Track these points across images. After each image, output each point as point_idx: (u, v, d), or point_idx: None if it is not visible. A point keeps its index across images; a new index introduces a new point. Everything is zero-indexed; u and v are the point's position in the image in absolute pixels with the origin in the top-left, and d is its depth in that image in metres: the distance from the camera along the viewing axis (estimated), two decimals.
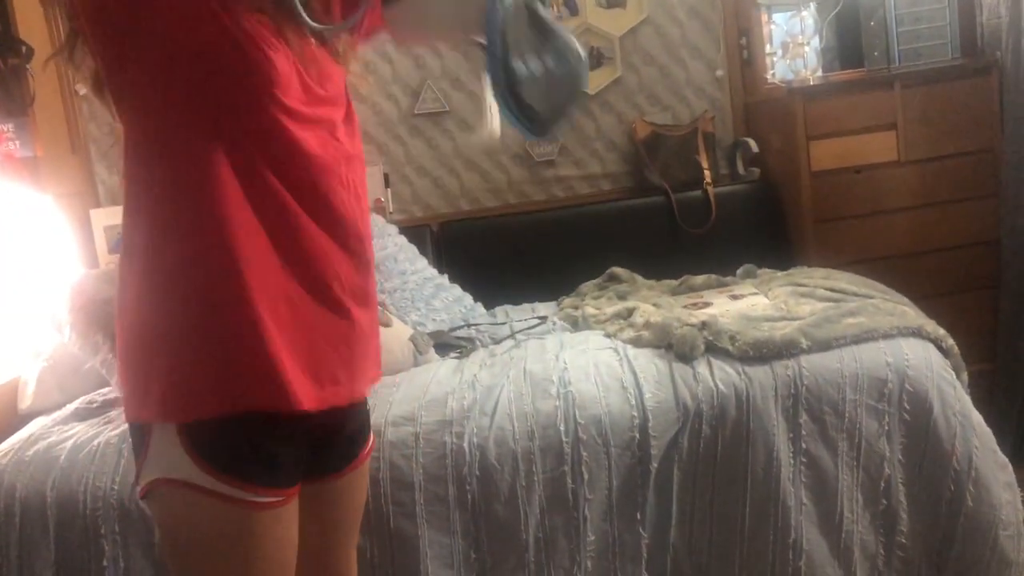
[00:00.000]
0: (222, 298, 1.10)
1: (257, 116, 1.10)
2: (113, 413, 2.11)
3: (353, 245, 1.21)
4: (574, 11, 3.16)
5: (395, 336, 2.25)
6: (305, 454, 1.22)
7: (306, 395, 1.15)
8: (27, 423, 2.18)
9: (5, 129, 2.70)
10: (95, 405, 2.18)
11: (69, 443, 1.95)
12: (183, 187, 1.10)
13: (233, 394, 1.11)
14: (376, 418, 1.91)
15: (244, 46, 1.07)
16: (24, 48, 2.80)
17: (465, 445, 1.86)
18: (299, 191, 1.14)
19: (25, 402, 2.28)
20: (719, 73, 3.21)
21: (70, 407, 2.20)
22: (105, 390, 2.25)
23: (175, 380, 1.11)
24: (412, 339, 2.29)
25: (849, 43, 3.04)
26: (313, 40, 1.20)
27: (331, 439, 1.27)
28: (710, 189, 3.00)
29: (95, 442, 1.94)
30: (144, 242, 1.13)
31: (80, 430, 2.02)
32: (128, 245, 1.15)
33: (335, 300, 1.19)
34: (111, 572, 1.81)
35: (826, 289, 2.28)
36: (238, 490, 1.13)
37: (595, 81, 3.16)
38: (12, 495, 1.85)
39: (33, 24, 2.88)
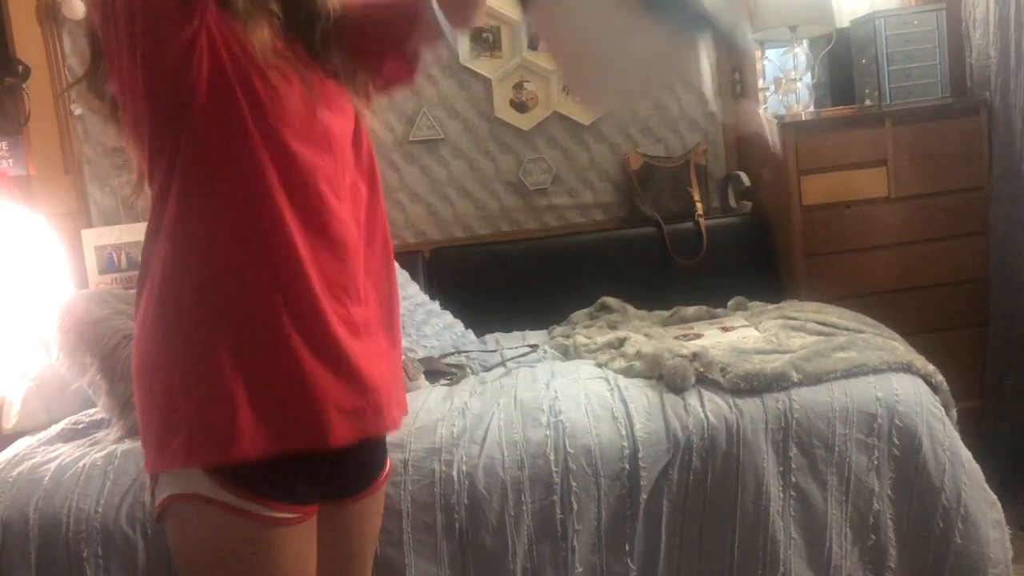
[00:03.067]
0: (260, 336, 1.11)
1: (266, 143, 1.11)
2: (99, 435, 2.09)
3: (358, 275, 1.21)
4: None
5: None
6: (323, 476, 1.21)
7: (341, 429, 1.15)
8: (11, 443, 2.16)
9: None
10: (81, 426, 2.16)
11: (54, 464, 1.93)
12: (214, 219, 1.11)
13: (270, 436, 1.11)
14: None
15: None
16: (20, 67, 2.81)
17: (454, 473, 1.85)
18: (306, 214, 1.14)
19: (10, 422, 2.26)
20: (711, 108, 3.24)
21: (55, 428, 2.18)
22: (91, 411, 2.23)
23: (202, 423, 1.10)
24: (402, 365, 2.28)
25: (841, 80, 3.08)
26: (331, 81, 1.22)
27: (348, 463, 1.27)
28: (702, 221, 3.02)
29: (80, 464, 1.92)
30: (169, 275, 1.13)
31: (65, 451, 2.00)
32: (151, 280, 1.15)
33: (354, 326, 1.19)
34: None
35: (817, 323, 2.29)
36: (255, 505, 1.12)
37: (589, 112, 3.19)
38: None
39: (30, 43, 2.89)
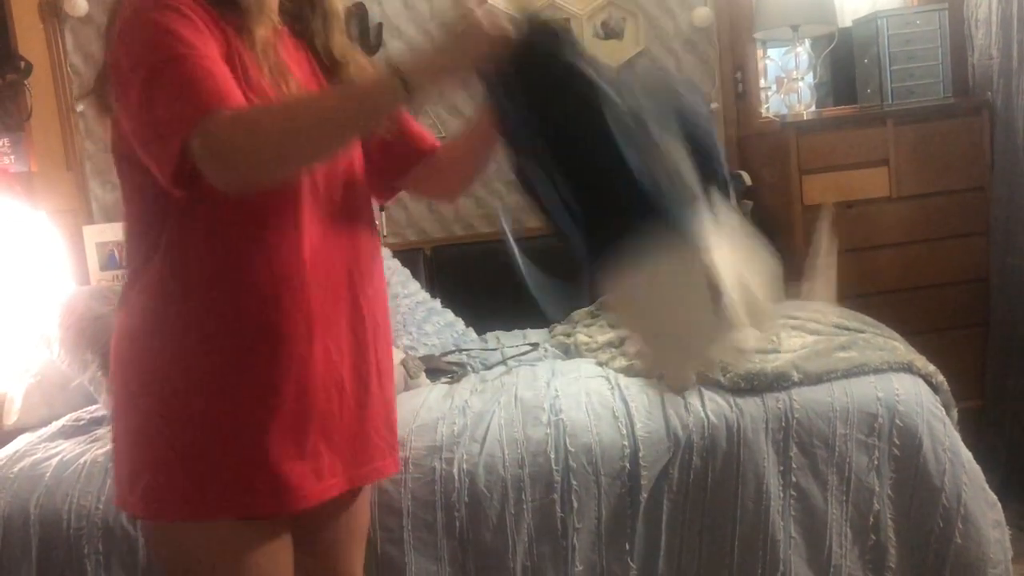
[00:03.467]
0: (213, 400, 1.12)
1: None
2: (100, 431, 2.09)
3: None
4: None
5: None
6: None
7: (310, 491, 1.16)
8: (12, 439, 2.16)
9: (1, 144, 2.70)
10: (82, 423, 2.17)
11: (55, 460, 1.93)
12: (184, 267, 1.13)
13: (230, 504, 1.13)
14: None
15: None
16: (23, 64, 2.80)
17: (454, 471, 1.85)
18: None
19: (11, 418, 2.26)
20: (713, 106, 3.24)
21: (56, 424, 2.18)
22: (92, 408, 2.24)
23: (161, 480, 1.13)
24: (403, 363, 2.28)
25: (843, 79, 3.08)
26: None
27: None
28: None
29: (81, 460, 1.92)
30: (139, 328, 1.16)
31: (66, 448, 2.00)
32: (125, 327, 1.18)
33: (330, 377, 1.19)
34: None
35: (817, 323, 2.29)
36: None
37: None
38: None
39: (32, 40, 2.89)
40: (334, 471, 1.20)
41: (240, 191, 1.07)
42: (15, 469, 1.92)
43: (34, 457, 1.96)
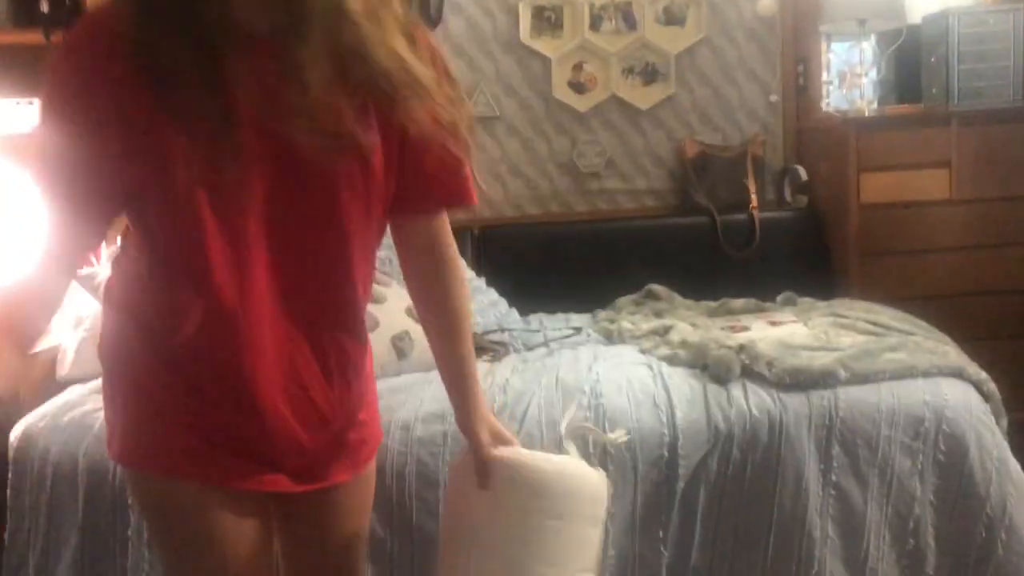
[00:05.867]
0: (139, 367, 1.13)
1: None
2: None
3: None
4: (632, 26, 3.16)
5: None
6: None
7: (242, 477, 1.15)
8: (64, 390, 2.21)
9: None
10: None
11: (103, 412, 1.97)
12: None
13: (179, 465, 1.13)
14: (407, 413, 1.91)
15: None
16: None
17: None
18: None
19: (64, 369, 2.32)
20: (773, 98, 3.19)
21: None
22: None
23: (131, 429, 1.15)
24: None
25: (907, 78, 3.01)
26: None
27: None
28: (755, 213, 2.98)
29: None
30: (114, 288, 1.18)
31: None
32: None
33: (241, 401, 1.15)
34: (134, 541, 1.83)
35: (867, 322, 2.25)
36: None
37: (648, 97, 3.16)
38: (46, 458, 1.88)
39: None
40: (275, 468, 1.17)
41: None
42: (65, 418, 1.97)
43: (84, 408, 2.01)
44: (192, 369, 1.11)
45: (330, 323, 1.16)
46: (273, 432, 1.13)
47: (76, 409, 2.01)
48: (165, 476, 1.13)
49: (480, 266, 2.97)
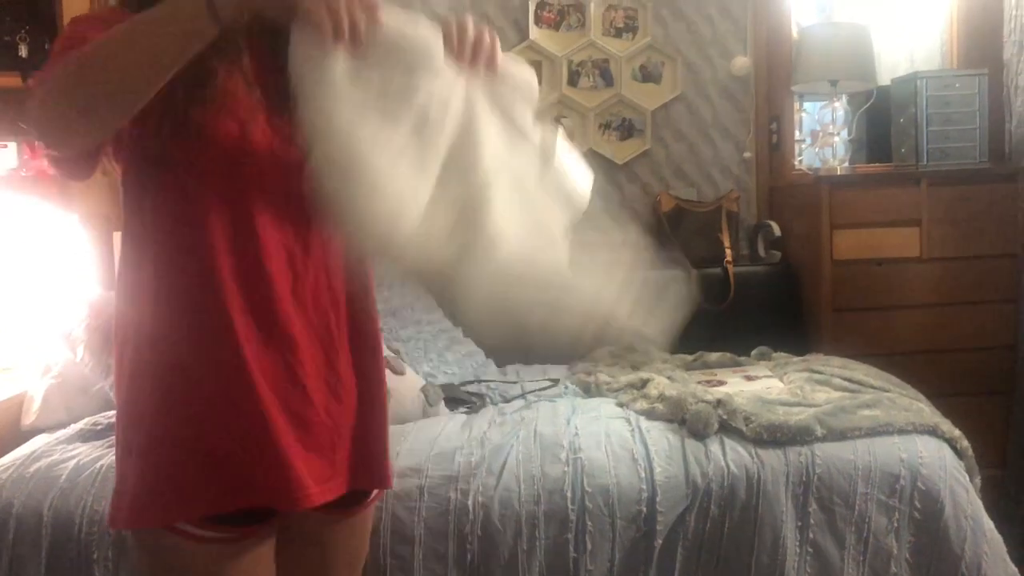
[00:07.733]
0: (227, 385, 1.10)
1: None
2: None
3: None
4: (609, 82, 3.21)
5: (408, 386, 2.24)
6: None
7: (315, 490, 1.14)
8: (30, 439, 2.16)
9: (42, 145, 2.72)
10: (99, 427, 2.16)
11: (71, 463, 1.93)
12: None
13: (236, 491, 1.11)
14: None
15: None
16: None
17: (469, 503, 1.84)
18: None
19: (29, 418, 2.26)
20: (747, 155, 3.25)
21: (75, 427, 2.18)
22: (111, 413, 2.23)
23: (153, 481, 1.11)
24: (423, 390, 2.28)
25: (877, 137, 3.09)
26: None
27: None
28: (730, 267, 3.02)
29: (97, 464, 1.92)
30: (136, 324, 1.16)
31: (83, 451, 2.00)
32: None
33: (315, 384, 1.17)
34: None
35: (843, 379, 2.27)
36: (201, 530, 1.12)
37: (625, 151, 3.21)
38: (8, 511, 1.82)
39: None
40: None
41: (66, 147, 1.09)
42: (31, 469, 1.92)
43: (51, 458, 1.96)
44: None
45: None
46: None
47: (43, 460, 1.96)
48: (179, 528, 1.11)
49: (456, 315, 2.96)
